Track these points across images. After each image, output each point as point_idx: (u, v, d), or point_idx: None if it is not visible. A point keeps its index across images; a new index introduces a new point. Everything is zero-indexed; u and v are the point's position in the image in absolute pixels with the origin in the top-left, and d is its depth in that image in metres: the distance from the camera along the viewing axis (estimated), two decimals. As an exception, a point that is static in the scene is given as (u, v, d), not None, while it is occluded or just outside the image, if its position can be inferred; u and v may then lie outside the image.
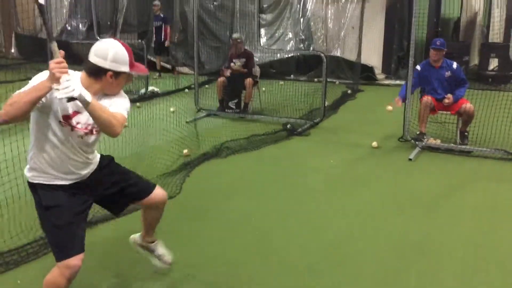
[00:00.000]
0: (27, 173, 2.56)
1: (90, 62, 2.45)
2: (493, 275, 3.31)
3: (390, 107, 6.24)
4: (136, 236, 3.23)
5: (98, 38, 11.44)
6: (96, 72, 2.44)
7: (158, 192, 2.94)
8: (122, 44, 2.52)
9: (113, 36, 13.74)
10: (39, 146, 2.48)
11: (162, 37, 11.90)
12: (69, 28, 14.32)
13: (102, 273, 3.29)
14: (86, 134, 2.51)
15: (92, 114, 2.31)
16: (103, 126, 2.38)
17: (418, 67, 6.36)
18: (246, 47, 8.56)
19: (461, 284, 3.20)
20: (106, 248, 3.64)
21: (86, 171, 2.64)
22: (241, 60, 8.16)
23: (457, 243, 3.76)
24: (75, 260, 2.47)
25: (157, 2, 11.85)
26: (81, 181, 2.61)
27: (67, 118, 2.43)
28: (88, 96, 2.24)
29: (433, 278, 3.27)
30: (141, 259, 3.28)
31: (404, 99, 6.29)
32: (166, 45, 12.00)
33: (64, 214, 2.50)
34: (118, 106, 2.53)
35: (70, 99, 2.19)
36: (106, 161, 2.82)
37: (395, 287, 3.18)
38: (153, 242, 3.19)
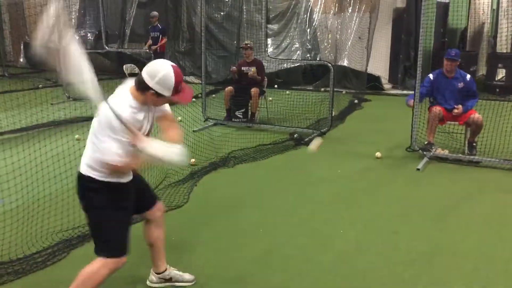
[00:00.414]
0: (94, 172, 2.64)
1: (140, 76, 2.62)
2: (504, 286, 3.27)
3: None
4: (150, 277, 3.28)
5: (107, 47, 11.58)
6: (141, 87, 2.60)
7: (161, 205, 3.13)
8: (175, 69, 2.62)
9: (121, 45, 13.86)
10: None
11: (157, 48, 11.74)
12: (77, 38, 14.39)
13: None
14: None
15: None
16: None
17: (430, 76, 6.35)
18: (255, 56, 8.58)
19: (471, 296, 3.18)
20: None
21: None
22: (250, 69, 8.18)
23: (466, 254, 3.73)
24: (125, 259, 2.73)
25: (155, 13, 11.81)
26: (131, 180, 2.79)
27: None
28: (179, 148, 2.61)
29: (442, 290, 3.25)
30: (149, 265, 3.28)
31: (413, 99, 6.27)
32: (152, 49, 11.73)
33: (119, 213, 2.70)
34: (167, 106, 2.84)
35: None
36: None
37: (405, 298, 3.16)
38: (165, 271, 3.24)
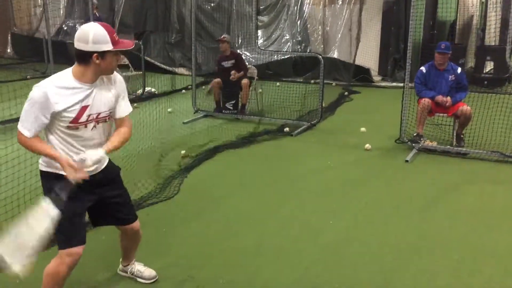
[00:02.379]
0: (42, 162, 2.62)
1: (75, 49, 2.51)
2: (490, 276, 3.33)
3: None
4: (119, 266, 3.28)
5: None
6: (82, 58, 2.48)
7: (137, 224, 3.01)
8: (102, 24, 2.54)
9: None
10: (53, 144, 2.57)
11: None
12: (65, 28, 14.29)
13: (102, 273, 3.30)
14: (98, 122, 2.61)
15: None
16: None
17: (423, 69, 6.39)
18: (232, 50, 8.56)
19: (457, 284, 3.23)
20: (106, 247, 3.63)
21: (96, 165, 2.66)
22: (230, 62, 8.17)
23: (453, 244, 3.79)
24: (78, 249, 2.61)
25: (94, 1, 11.32)
26: (91, 176, 2.62)
27: (75, 121, 2.52)
28: (101, 152, 2.56)
29: (429, 278, 3.30)
30: (142, 259, 3.29)
31: (432, 97, 6.28)
32: None
33: (73, 204, 2.56)
34: (125, 107, 2.76)
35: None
36: (115, 169, 2.89)
37: (392, 287, 3.21)
38: (127, 265, 3.23)
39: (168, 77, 10.97)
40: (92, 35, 2.45)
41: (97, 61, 2.48)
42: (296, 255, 3.62)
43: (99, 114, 2.59)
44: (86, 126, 2.56)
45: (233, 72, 8.06)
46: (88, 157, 2.51)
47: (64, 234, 2.59)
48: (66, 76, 2.52)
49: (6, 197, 4.13)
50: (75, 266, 2.64)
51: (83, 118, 2.53)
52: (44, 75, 11.14)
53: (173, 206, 4.50)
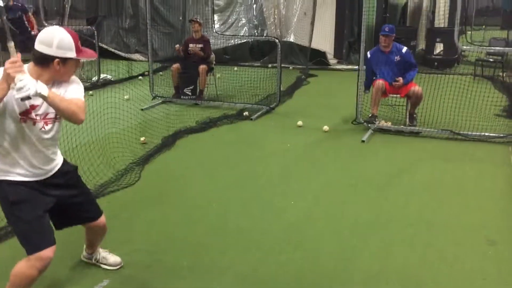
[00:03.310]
0: None
1: (36, 51, 2.41)
2: (442, 247, 3.53)
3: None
4: (83, 252, 3.25)
5: (46, 24, 11.05)
6: (43, 61, 2.41)
7: (103, 219, 2.98)
8: (68, 30, 2.49)
9: (61, 22, 13.28)
10: (1, 146, 2.46)
11: (28, 28, 11.02)
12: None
13: (68, 261, 3.27)
14: (47, 124, 2.49)
15: (52, 105, 2.33)
16: (66, 115, 2.40)
17: (368, 54, 6.56)
18: (204, 34, 8.53)
19: (413, 258, 3.40)
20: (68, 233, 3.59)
21: (49, 167, 2.61)
22: (197, 46, 8.13)
23: (408, 219, 3.98)
24: (48, 252, 2.52)
25: None
26: (45, 180, 2.59)
27: (25, 113, 2.42)
28: (45, 90, 2.24)
29: (386, 252, 3.46)
30: (106, 246, 3.28)
31: (368, 87, 6.52)
32: (34, 33, 10.88)
33: (31, 208, 2.52)
34: (73, 92, 2.53)
35: (27, 97, 2.19)
36: (71, 168, 2.81)
37: (351, 262, 3.34)
38: (92, 253, 3.22)
39: (124, 63, 10.75)
40: (57, 40, 2.40)
41: (57, 67, 2.42)
42: (260, 235, 3.71)
43: (46, 114, 2.49)
44: (34, 124, 2.45)
45: (192, 45, 8.02)
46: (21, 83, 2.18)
47: (29, 239, 2.52)
48: None
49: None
50: (46, 269, 2.56)
51: (32, 115, 2.43)
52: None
53: (135, 192, 4.48)
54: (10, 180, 2.50)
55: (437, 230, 3.80)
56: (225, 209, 4.18)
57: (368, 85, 6.57)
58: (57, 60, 2.40)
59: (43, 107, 2.44)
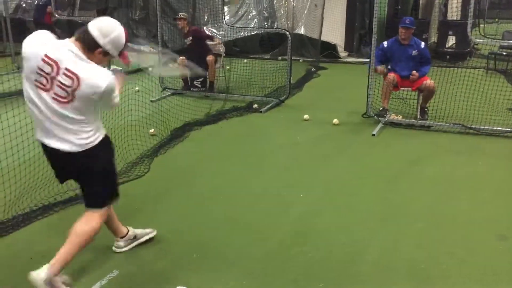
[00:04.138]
0: (85, 142, 2.70)
1: (89, 33, 2.58)
2: (452, 242, 3.50)
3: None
4: (117, 244, 3.29)
5: (56, 15, 11.10)
6: (91, 46, 2.59)
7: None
8: (125, 31, 2.70)
9: (71, 13, 13.32)
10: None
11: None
12: (24, 5, 13.76)
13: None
14: None
15: None
16: None
17: (385, 43, 6.50)
18: (194, 27, 8.54)
19: (422, 252, 3.38)
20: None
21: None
22: (188, 39, 8.12)
23: (417, 213, 3.95)
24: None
25: None
26: None
27: None
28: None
29: (395, 246, 3.44)
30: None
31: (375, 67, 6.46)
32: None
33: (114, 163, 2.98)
34: None
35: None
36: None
37: (360, 256, 3.32)
38: (128, 232, 3.29)
39: (133, 55, 10.71)
40: (115, 35, 2.63)
41: (99, 56, 2.63)
42: (268, 228, 3.70)
43: None
44: None
45: (189, 38, 8.06)
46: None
47: (112, 194, 2.93)
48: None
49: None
50: None
51: None
52: (3, 54, 10.76)
53: (144, 184, 4.50)
54: (106, 135, 2.83)
55: (447, 224, 3.77)
56: (234, 201, 4.18)
57: (375, 64, 6.48)
58: (100, 49, 2.60)
59: None
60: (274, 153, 5.41)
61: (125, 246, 3.28)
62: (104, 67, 2.69)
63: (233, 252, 3.35)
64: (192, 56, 8.01)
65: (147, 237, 3.37)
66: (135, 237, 3.31)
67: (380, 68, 6.50)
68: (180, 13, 8.35)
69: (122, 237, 3.26)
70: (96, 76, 2.57)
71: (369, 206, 4.08)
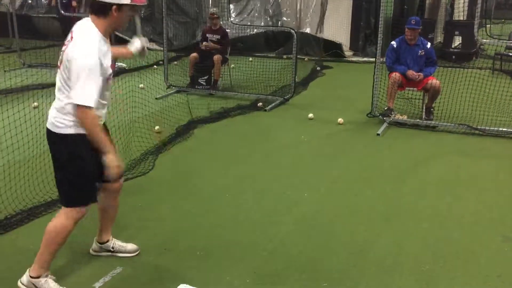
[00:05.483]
0: (60, 124, 2.62)
1: (95, 2, 2.59)
2: (456, 243, 3.49)
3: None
4: (93, 246, 3.24)
5: (63, 12, 11.11)
6: (102, 10, 2.58)
7: (121, 182, 3.13)
8: None
9: (78, 10, 13.34)
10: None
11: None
12: (30, 1, 13.79)
13: (81, 248, 3.30)
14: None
15: None
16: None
17: (394, 43, 6.47)
18: (221, 23, 8.52)
19: (427, 252, 3.36)
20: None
21: (103, 120, 2.82)
22: (215, 36, 8.15)
23: (422, 213, 3.93)
24: (87, 207, 2.78)
25: None
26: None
27: (110, 76, 2.69)
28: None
29: (399, 246, 3.42)
30: (119, 234, 3.30)
31: (403, 71, 6.36)
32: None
33: (91, 164, 2.71)
34: None
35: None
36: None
37: (364, 256, 3.31)
38: (107, 242, 3.22)
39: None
40: None
41: (115, 14, 2.58)
42: (272, 227, 3.69)
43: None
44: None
45: (205, 43, 8.05)
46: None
47: (80, 193, 2.73)
48: (97, 34, 2.59)
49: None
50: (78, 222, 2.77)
51: (114, 69, 2.72)
52: (10, 49, 10.79)
53: (149, 181, 4.50)
54: (82, 133, 2.62)
55: (452, 225, 3.75)
56: (238, 200, 4.17)
57: (396, 69, 6.39)
58: (115, 6, 2.57)
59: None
60: (278, 152, 5.40)
61: (98, 252, 3.23)
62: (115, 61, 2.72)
63: (237, 251, 3.35)
64: (205, 54, 8.07)
65: (125, 255, 3.21)
66: (112, 250, 3.20)
67: (410, 71, 6.36)
68: (212, 11, 8.35)
69: (100, 243, 3.21)
70: (81, 45, 2.52)
71: (374, 206, 4.07)
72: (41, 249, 2.74)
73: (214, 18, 8.16)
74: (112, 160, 2.66)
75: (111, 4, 2.56)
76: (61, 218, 2.73)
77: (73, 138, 2.63)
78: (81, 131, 2.61)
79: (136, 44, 3.09)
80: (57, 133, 2.64)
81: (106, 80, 2.64)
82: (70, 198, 2.75)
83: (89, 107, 2.51)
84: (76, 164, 2.68)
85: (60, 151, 2.69)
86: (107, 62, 2.62)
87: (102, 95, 2.65)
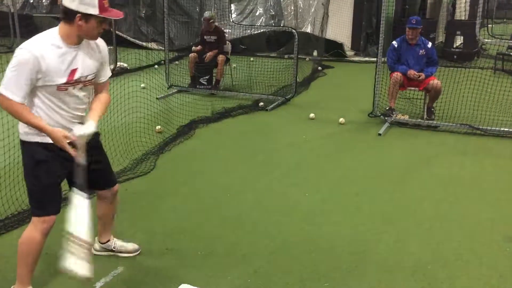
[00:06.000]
0: (21, 131, 2.58)
1: (62, 5, 2.46)
2: (458, 243, 3.48)
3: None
4: (95, 245, 3.21)
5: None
6: (67, 15, 2.43)
7: (117, 187, 3.06)
8: None
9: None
10: (38, 107, 2.51)
11: None
12: (31, 1, 13.81)
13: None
14: (85, 85, 2.60)
15: None
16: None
17: (394, 43, 6.47)
18: (216, 24, 8.50)
19: (428, 253, 3.36)
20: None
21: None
22: (212, 37, 8.16)
23: (424, 214, 3.93)
24: (53, 217, 2.64)
25: None
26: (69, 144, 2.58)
27: (64, 83, 2.49)
28: (93, 126, 2.60)
29: (401, 246, 3.42)
30: (120, 233, 3.30)
31: (404, 71, 6.34)
32: None
33: (52, 172, 2.59)
34: (107, 72, 2.78)
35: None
36: (95, 134, 2.77)
37: (366, 256, 3.31)
38: (108, 241, 3.21)
39: (140, 52, 10.75)
40: None
41: (80, 22, 2.41)
42: (274, 227, 3.69)
43: (86, 76, 2.57)
44: (74, 88, 2.53)
45: (209, 54, 8.04)
46: (81, 131, 2.53)
47: (41, 202, 2.61)
48: (52, 36, 2.47)
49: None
50: (49, 233, 2.65)
51: (72, 80, 2.50)
52: (11, 49, 10.80)
53: (150, 181, 4.50)
54: (38, 142, 2.54)
55: (453, 225, 3.74)
56: (239, 200, 4.17)
57: (397, 69, 6.37)
58: (78, 15, 2.40)
59: (81, 70, 2.53)
60: (279, 152, 5.40)
61: (99, 251, 3.22)
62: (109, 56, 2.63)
63: (238, 250, 3.35)
64: (205, 53, 8.08)
65: (126, 255, 3.20)
66: (112, 250, 3.20)
67: (411, 71, 6.35)
68: (207, 15, 8.26)
69: (101, 243, 3.20)
70: (28, 40, 2.44)
71: (375, 206, 4.07)
72: (18, 262, 2.69)
73: (210, 23, 8.14)
74: (54, 138, 2.48)
75: (75, 12, 2.39)
76: (30, 229, 2.65)
77: (28, 145, 2.58)
78: (36, 139, 2.52)
79: (85, 129, 2.61)
80: (20, 139, 2.62)
81: (56, 87, 2.46)
82: (32, 206, 2.66)
83: (5, 96, 2.38)
84: (34, 173, 2.59)
85: (23, 158, 2.64)
86: (53, 69, 2.42)
87: (60, 101, 2.52)
